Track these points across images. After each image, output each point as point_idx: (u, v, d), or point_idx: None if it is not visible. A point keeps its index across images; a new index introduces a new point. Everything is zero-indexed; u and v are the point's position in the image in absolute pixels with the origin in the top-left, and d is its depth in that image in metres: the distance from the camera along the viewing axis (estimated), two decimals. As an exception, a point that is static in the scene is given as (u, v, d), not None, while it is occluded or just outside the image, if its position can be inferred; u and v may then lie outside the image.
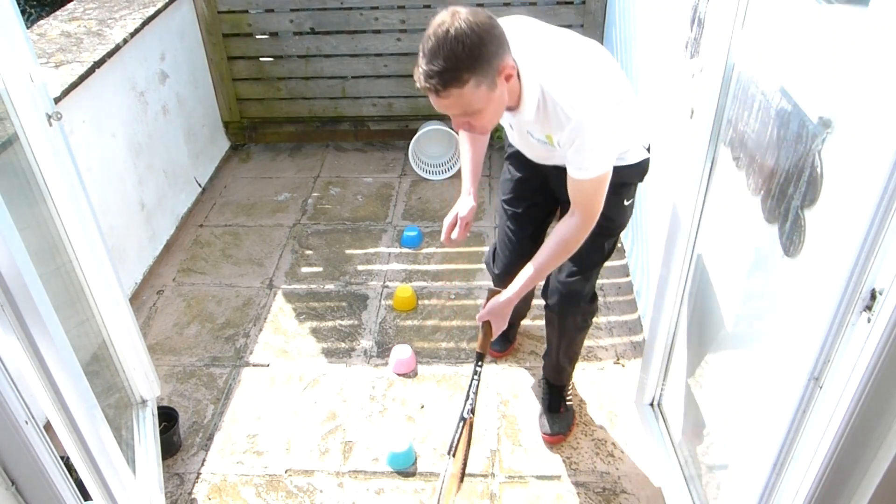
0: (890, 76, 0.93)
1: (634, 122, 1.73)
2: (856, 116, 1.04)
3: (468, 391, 1.81)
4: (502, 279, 2.01)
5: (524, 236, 2.03)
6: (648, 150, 1.82)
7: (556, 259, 1.69)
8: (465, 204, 1.93)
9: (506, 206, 2.05)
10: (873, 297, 0.99)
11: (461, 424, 1.81)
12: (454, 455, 1.80)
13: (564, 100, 1.51)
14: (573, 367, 2.23)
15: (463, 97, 1.38)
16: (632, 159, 1.79)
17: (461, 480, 1.77)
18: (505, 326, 1.81)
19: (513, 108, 1.57)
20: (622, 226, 1.93)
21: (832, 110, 1.12)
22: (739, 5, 1.44)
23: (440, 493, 1.75)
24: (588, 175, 1.56)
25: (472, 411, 1.82)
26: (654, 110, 1.86)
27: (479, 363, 1.83)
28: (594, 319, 2.10)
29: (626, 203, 1.88)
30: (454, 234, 1.93)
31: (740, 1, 1.44)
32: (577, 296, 1.93)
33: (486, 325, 1.79)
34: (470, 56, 1.33)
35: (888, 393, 1.01)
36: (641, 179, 1.86)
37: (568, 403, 2.24)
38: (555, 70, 1.54)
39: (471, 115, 1.44)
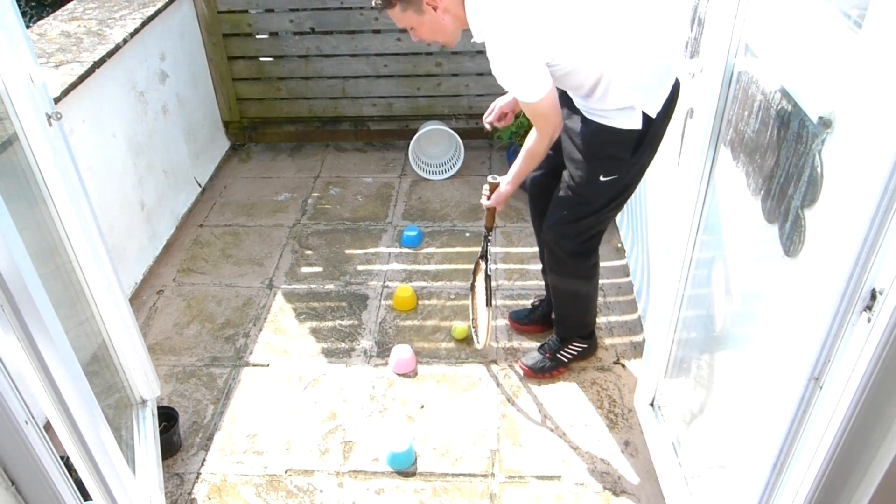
0: (890, 76, 0.93)
1: (622, 79, 1.76)
2: (856, 116, 1.04)
3: (484, 253, 2.43)
4: (531, 196, 2.35)
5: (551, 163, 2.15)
6: (647, 123, 1.81)
7: (526, 161, 2.00)
8: (504, 97, 2.20)
9: None
10: (873, 297, 0.99)
11: (487, 281, 2.42)
12: (489, 304, 2.40)
13: (485, 20, 1.73)
14: (572, 328, 2.38)
15: (396, 16, 1.79)
16: (614, 121, 1.83)
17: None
18: (504, 207, 2.21)
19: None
20: (594, 202, 1.98)
21: (832, 110, 1.12)
22: (739, 5, 1.44)
23: (487, 330, 2.41)
24: (523, 99, 1.79)
25: (487, 267, 2.43)
26: (661, 81, 1.80)
27: (489, 235, 2.38)
28: (590, 294, 2.28)
29: (601, 179, 1.92)
30: (490, 118, 2.23)
31: (740, 1, 1.44)
32: (553, 242, 2.14)
33: (491, 210, 2.26)
34: None
35: (888, 393, 1.01)
36: (627, 154, 1.86)
37: (558, 355, 2.39)
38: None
39: (410, 30, 1.84)
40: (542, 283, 2.53)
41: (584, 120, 1.88)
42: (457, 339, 2.58)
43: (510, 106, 2.20)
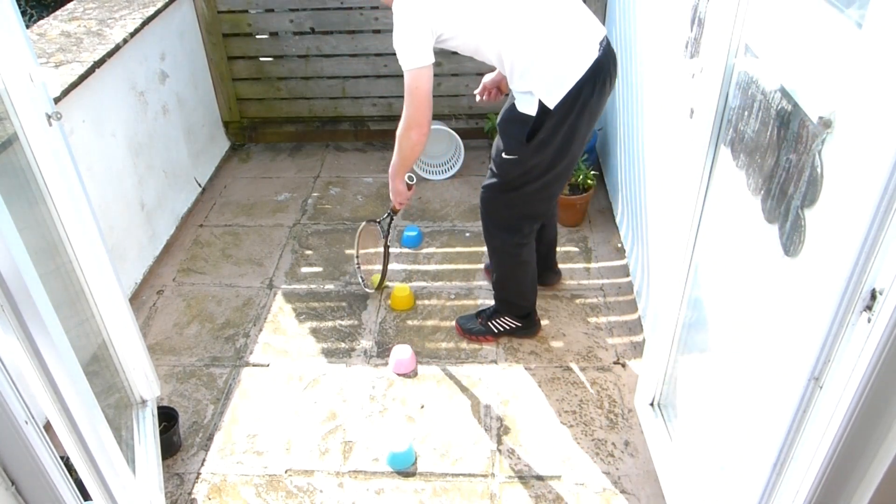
0: (890, 76, 0.93)
1: (521, 63, 1.90)
2: (856, 116, 1.04)
3: (386, 228, 2.63)
4: None
5: None
6: (546, 113, 1.92)
7: (396, 153, 2.15)
8: (489, 74, 2.39)
9: None
10: (873, 297, 0.99)
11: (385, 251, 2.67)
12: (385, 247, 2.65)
13: None
14: (504, 301, 2.48)
15: None
16: (518, 103, 2.00)
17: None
18: (402, 198, 2.35)
19: None
20: (502, 177, 2.12)
21: (832, 110, 1.12)
22: (739, 5, 1.44)
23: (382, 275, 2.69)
24: (401, 64, 1.90)
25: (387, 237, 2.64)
26: (562, 74, 1.93)
27: (393, 214, 2.55)
28: (521, 266, 2.37)
29: (504, 156, 2.07)
30: (484, 96, 2.41)
31: (740, 1, 1.44)
32: (482, 205, 2.28)
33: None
34: None
35: (888, 393, 1.01)
36: (522, 137, 1.97)
37: (490, 323, 2.51)
38: None
39: None
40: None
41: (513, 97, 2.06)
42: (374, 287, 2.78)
43: (493, 82, 2.38)
